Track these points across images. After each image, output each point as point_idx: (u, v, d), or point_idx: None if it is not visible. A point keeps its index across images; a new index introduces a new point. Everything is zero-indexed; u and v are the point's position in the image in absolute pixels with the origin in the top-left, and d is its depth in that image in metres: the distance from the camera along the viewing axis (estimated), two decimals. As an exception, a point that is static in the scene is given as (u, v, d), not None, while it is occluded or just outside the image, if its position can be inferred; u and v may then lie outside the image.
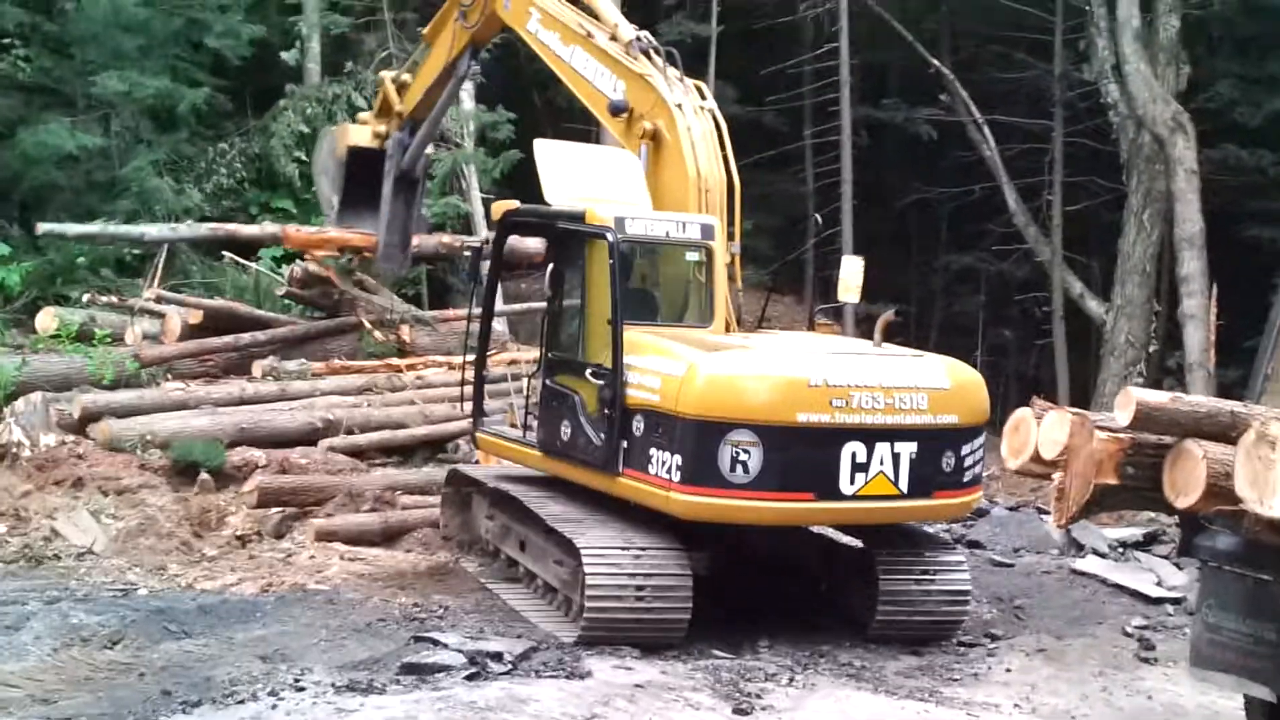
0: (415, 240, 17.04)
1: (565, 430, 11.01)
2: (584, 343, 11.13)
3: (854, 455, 10.06)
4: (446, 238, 19.79)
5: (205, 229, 18.62)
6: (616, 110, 12.44)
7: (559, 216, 11.38)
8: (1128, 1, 22.38)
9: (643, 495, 10.35)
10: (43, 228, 17.90)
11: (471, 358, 12.54)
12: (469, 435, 12.93)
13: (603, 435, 10.60)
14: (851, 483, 10.10)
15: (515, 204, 12.33)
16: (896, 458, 10.20)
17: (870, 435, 10.09)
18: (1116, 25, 22.86)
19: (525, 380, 12.06)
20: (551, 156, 11.93)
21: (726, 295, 11.48)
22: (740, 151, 12.41)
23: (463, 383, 12.88)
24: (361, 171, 16.69)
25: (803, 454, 10.00)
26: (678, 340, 10.62)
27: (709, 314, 11.33)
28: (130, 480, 13.12)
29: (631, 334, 10.56)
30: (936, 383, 10.52)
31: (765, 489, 9.97)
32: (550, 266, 11.50)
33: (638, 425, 10.32)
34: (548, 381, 11.30)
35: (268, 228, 18.73)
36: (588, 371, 10.81)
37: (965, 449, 10.60)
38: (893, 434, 10.17)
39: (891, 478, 10.21)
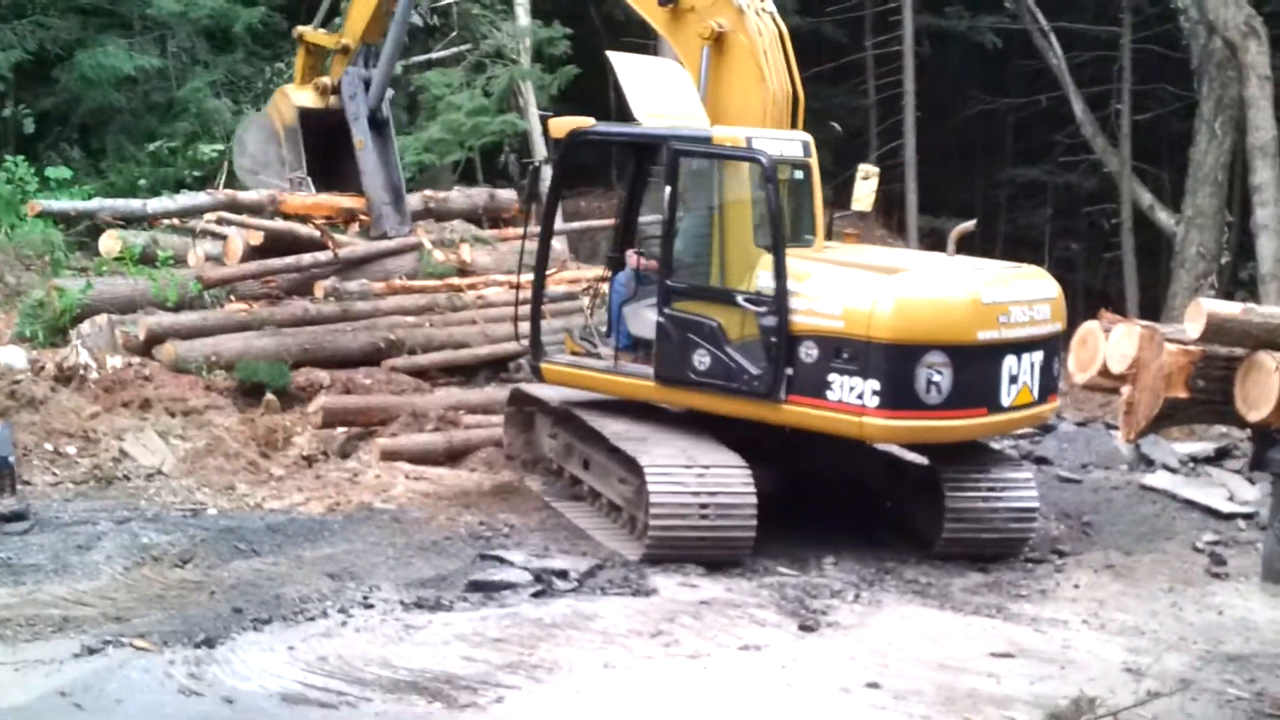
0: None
1: (698, 359, 10.70)
2: (723, 268, 10.85)
3: (1010, 368, 10.35)
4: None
5: (204, 197, 17.01)
6: (668, 1, 11.73)
7: (673, 139, 10.88)
8: (1200, -98, 21.80)
9: (819, 422, 10.35)
10: (38, 205, 16.64)
11: (528, 280, 12.10)
12: (529, 365, 12.29)
13: (760, 363, 10.46)
14: (1008, 395, 10.38)
15: (584, 121, 11.60)
16: (1033, 367, 10.52)
17: (1020, 348, 10.43)
18: (1188, -73, 22.29)
19: (588, 301, 11.86)
20: (632, 71, 11.56)
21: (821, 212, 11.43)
22: (799, 63, 11.84)
23: (517, 305, 12.21)
24: (312, 137, 15.75)
25: (980, 371, 10.26)
26: (834, 264, 10.62)
27: (812, 232, 11.24)
28: (196, 401, 13.20)
29: (790, 260, 10.43)
30: (1050, 293, 10.83)
31: (954, 407, 10.17)
32: (668, 190, 10.80)
33: (808, 352, 10.30)
34: (666, 310, 10.85)
35: (262, 194, 16.88)
36: (739, 298, 10.58)
37: (1061, 354, 10.86)
38: (1032, 345, 10.51)
39: (1031, 386, 10.54)
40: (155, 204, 16.79)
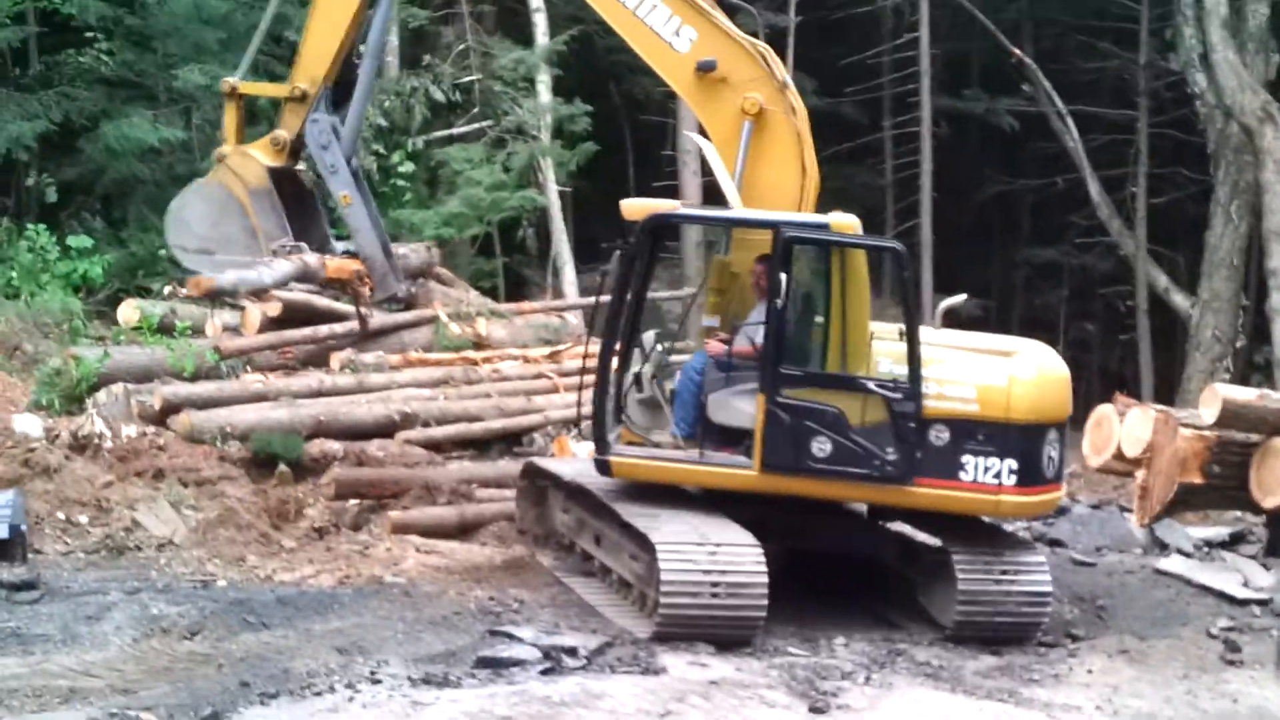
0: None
1: (817, 446, 10.54)
2: (842, 354, 10.74)
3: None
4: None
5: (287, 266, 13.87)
6: (706, 68, 11.42)
7: (787, 225, 10.62)
8: (1215, -11, 22.00)
9: (951, 503, 10.60)
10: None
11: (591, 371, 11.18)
12: (595, 461, 11.16)
13: (891, 448, 10.49)
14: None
15: (666, 204, 11.06)
16: None
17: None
18: (1204, 13, 22.47)
19: (633, 381, 11.32)
20: (713, 154, 11.37)
21: None
22: (819, 143, 11.87)
23: (581, 389, 11.51)
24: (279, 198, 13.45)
25: (1060, 446, 10.87)
26: (949, 347, 10.86)
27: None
28: (210, 471, 13.20)
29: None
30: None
31: (1060, 481, 10.94)
32: (782, 277, 10.52)
33: (939, 434, 10.49)
34: (777, 398, 10.60)
35: (313, 258, 13.92)
36: (872, 384, 10.53)
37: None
38: None
39: None
40: (252, 275, 14.77)
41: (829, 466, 10.57)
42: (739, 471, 10.78)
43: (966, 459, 10.42)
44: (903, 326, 10.59)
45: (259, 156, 13.13)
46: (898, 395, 10.48)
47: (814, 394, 10.65)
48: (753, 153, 11.48)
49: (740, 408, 10.87)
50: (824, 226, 10.73)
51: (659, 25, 11.60)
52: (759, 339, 10.82)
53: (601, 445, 10.97)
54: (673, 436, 11.13)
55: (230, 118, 13.39)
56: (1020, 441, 10.40)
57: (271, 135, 13.13)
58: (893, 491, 10.61)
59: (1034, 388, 10.58)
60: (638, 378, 11.35)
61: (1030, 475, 10.45)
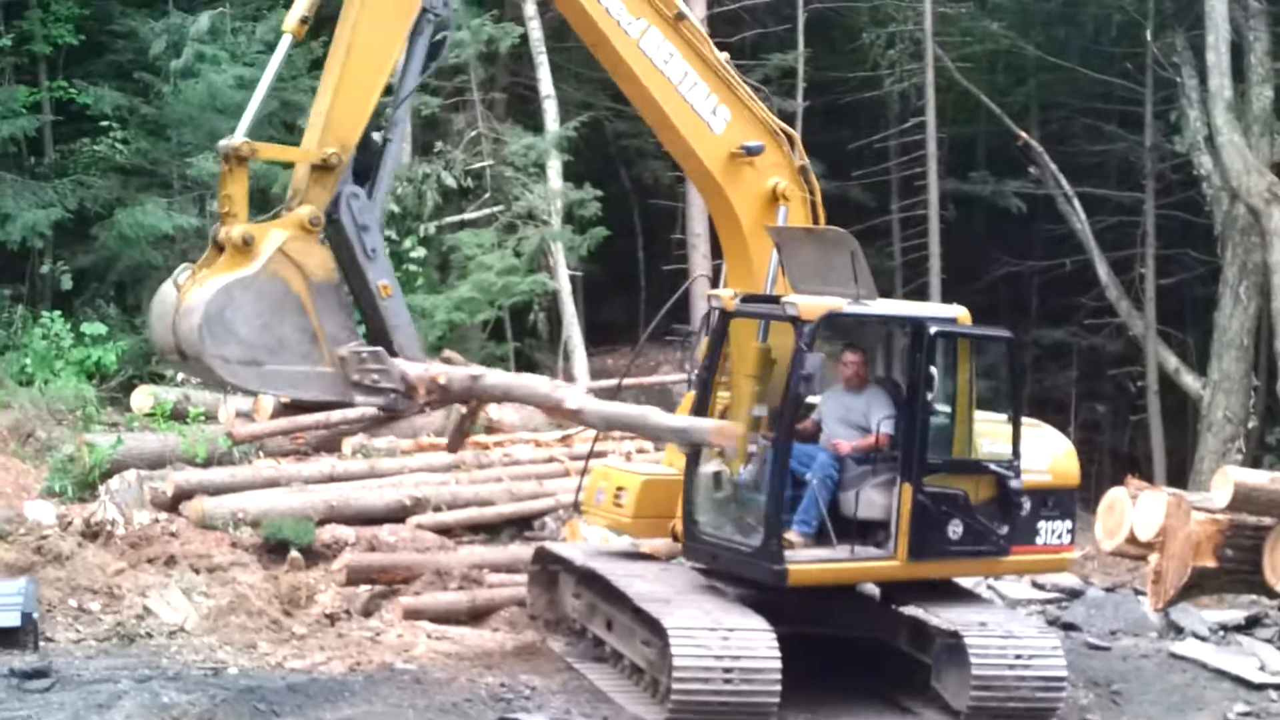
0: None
1: (952, 529, 11.04)
2: (961, 441, 11.24)
3: None
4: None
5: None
6: (753, 151, 11.49)
7: (931, 321, 11.23)
8: (1220, 72, 22.20)
9: (1033, 565, 12.11)
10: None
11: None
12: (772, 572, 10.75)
13: (999, 523, 11.21)
14: None
15: (836, 303, 10.74)
16: None
17: None
18: (1209, 96, 22.67)
19: (712, 479, 11.23)
20: (791, 244, 11.53)
21: None
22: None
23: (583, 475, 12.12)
24: None
25: None
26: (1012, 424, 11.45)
27: None
28: (221, 558, 13.22)
29: (988, 423, 11.44)
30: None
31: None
32: (932, 370, 11.05)
33: (1025, 504, 11.33)
34: (923, 487, 10.94)
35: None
36: (991, 465, 11.21)
37: None
38: None
39: None
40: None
41: (962, 548, 11.15)
42: (885, 563, 11.05)
43: (1041, 524, 11.41)
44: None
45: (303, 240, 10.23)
46: (1009, 473, 11.18)
47: (945, 480, 11.15)
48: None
49: (876, 500, 11.09)
50: (954, 320, 11.41)
51: (699, 102, 11.54)
52: (889, 430, 11.07)
53: (777, 555, 10.69)
54: (796, 536, 10.94)
55: (239, 188, 10.34)
56: (1071, 504, 11.54)
57: (306, 213, 10.21)
58: (992, 563, 11.61)
59: (1073, 456, 11.81)
60: (717, 476, 11.18)
61: (1074, 533, 11.55)
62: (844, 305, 10.79)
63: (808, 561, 10.82)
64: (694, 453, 11.05)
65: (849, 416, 11.41)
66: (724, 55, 11.76)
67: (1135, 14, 26.47)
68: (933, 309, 11.76)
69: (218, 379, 10.05)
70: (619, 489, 11.86)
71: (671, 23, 11.39)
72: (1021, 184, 28.43)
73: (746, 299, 11.42)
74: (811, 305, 10.73)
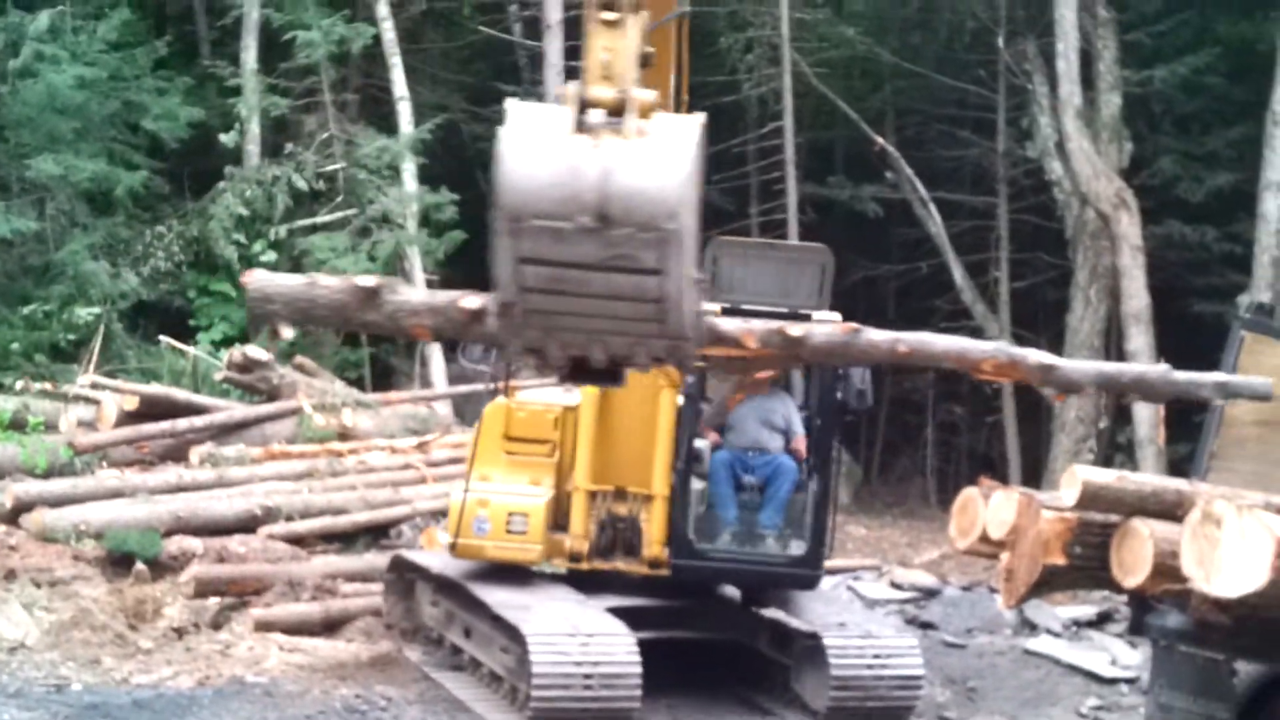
0: None
1: None
2: None
3: None
4: None
5: None
6: None
7: None
8: (1069, 80, 22.59)
9: None
10: None
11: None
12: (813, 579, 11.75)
13: None
14: None
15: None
16: None
17: None
18: (1059, 103, 23.05)
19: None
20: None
21: None
22: None
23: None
24: None
25: None
26: None
27: None
28: (64, 571, 12.80)
29: None
30: None
31: None
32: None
33: None
34: None
35: None
36: None
37: None
38: None
39: None
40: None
41: None
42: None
43: None
44: None
45: None
46: None
47: None
48: None
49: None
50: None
51: None
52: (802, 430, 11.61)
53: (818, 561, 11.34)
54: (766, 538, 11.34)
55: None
56: None
57: None
58: None
59: None
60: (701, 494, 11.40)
61: None
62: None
63: None
64: (686, 470, 11.12)
65: (771, 419, 11.60)
66: None
67: (988, 21, 26.89)
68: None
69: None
70: (511, 515, 11.19)
71: None
72: (878, 188, 28.71)
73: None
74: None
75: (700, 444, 11.33)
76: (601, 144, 5.45)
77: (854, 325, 7.30)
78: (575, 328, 5.86)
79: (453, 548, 11.22)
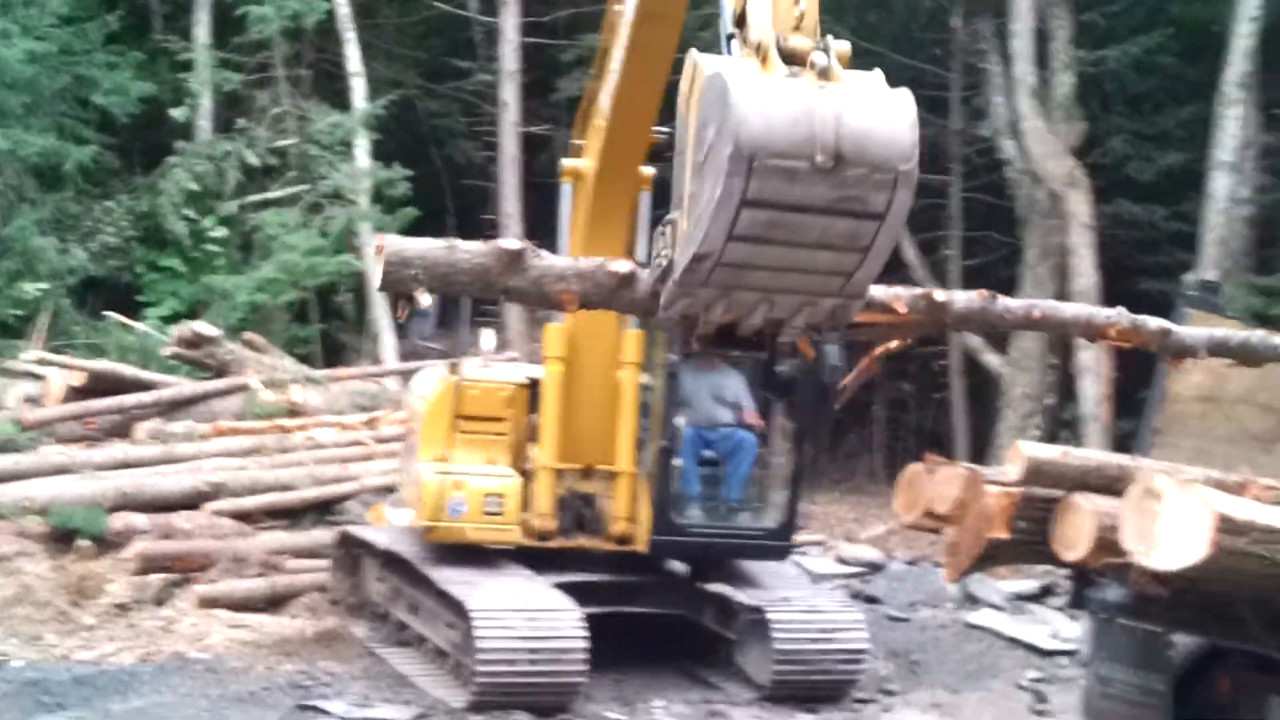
0: None
1: None
2: None
3: None
4: None
5: None
6: None
7: None
8: (1024, 59, 22.67)
9: None
10: None
11: None
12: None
13: None
14: None
15: None
16: None
17: None
18: (1012, 83, 23.13)
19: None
20: None
21: None
22: None
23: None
24: None
25: None
26: None
27: None
28: (6, 548, 12.68)
29: None
30: None
31: None
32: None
33: None
34: None
35: None
36: None
37: None
38: None
39: None
40: None
41: None
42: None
43: None
44: None
45: None
46: None
47: None
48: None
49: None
50: None
51: None
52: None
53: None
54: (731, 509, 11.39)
55: None
56: None
57: None
58: None
59: None
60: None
61: None
62: None
63: None
64: (669, 447, 10.97)
65: (722, 395, 11.57)
66: None
67: (944, 0, 26.95)
68: None
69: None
70: (488, 496, 10.95)
71: None
72: (833, 166, 28.75)
73: None
74: None
75: (679, 421, 11.25)
76: (828, 88, 5.44)
77: (990, 291, 7.35)
78: (758, 286, 5.81)
79: (428, 531, 10.95)
